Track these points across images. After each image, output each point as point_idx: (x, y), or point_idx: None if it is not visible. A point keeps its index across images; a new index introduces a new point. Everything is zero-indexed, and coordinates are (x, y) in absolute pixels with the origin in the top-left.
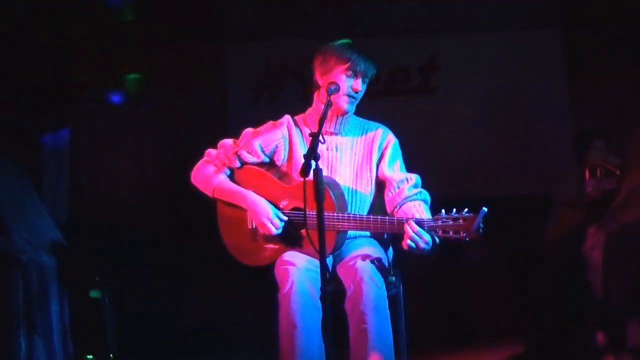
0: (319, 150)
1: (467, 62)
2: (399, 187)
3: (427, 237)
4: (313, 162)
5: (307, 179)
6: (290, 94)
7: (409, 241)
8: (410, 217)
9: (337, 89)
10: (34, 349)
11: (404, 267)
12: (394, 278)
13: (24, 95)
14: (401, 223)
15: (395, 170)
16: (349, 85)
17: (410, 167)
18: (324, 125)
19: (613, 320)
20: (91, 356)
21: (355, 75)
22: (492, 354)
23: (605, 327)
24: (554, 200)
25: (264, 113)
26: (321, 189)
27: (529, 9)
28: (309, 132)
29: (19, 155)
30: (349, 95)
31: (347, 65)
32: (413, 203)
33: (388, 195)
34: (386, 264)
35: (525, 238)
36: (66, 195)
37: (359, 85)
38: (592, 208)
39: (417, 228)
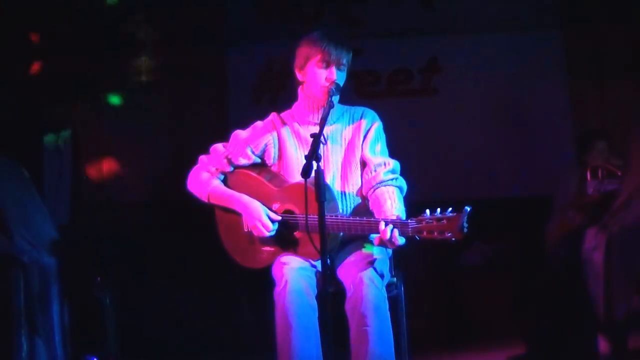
0: (309, 142)
1: (469, 63)
2: (375, 170)
3: (401, 241)
4: (314, 163)
5: (307, 179)
6: (291, 95)
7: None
8: (395, 218)
9: (339, 89)
10: (35, 350)
11: (405, 268)
12: (394, 279)
13: (25, 95)
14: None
15: (375, 153)
16: (323, 76)
17: (410, 168)
18: (313, 117)
19: (614, 321)
20: (92, 356)
21: (327, 65)
22: (492, 354)
23: (606, 329)
24: (555, 201)
25: (265, 114)
26: (322, 190)
27: (531, 10)
28: (302, 130)
29: (20, 155)
30: (327, 87)
31: (318, 57)
32: (387, 189)
33: (365, 177)
34: (387, 265)
35: (526, 239)
36: (67, 195)
37: (333, 74)
38: (593, 209)
39: (395, 234)
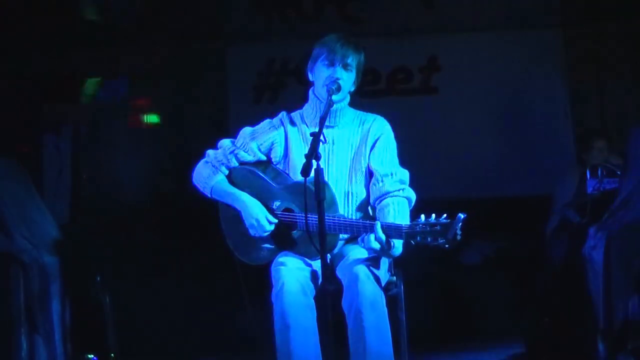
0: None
1: (469, 62)
2: (382, 181)
3: (385, 245)
4: (314, 162)
5: (307, 178)
6: (291, 93)
7: (372, 242)
8: (391, 222)
9: (339, 88)
10: (35, 349)
11: (405, 267)
12: (394, 278)
13: (24, 95)
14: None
15: (382, 163)
16: (326, 75)
17: (410, 167)
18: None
19: (614, 320)
20: (92, 356)
21: (332, 64)
22: (492, 353)
23: (606, 328)
24: (555, 200)
25: (265, 113)
26: (322, 189)
27: (531, 10)
28: (310, 131)
29: (20, 155)
30: (327, 85)
31: (323, 56)
32: (393, 200)
33: (372, 187)
34: (385, 263)
35: (526, 238)
36: (67, 194)
37: (336, 73)
38: (593, 208)
39: (379, 234)
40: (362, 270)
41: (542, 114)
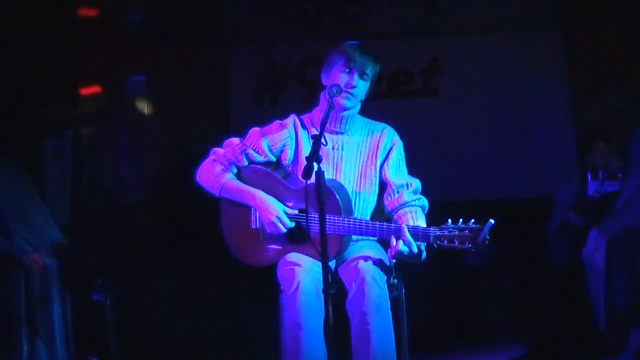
0: (325, 150)
1: (469, 64)
2: (399, 192)
3: (415, 248)
4: (315, 165)
5: (309, 181)
6: (292, 95)
7: (401, 246)
8: (416, 225)
9: (339, 91)
10: (36, 351)
11: (406, 270)
12: (395, 280)
13: (25, 96)
14: (398, 230)
15: (397, 174)
16: (344, 81)
17: (411, 169)
18: (331, 124)
19: (615, 322)
20: (93, 358)
21: (349, 71)
22: (493, 356)
23: (607, 330)
24: (556, 202)
25: (266, 115)
26: (323, 191)
27: (531, 10)
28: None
29: (21, 156)
30: (343, 92)
31: (342, 62)
32: (410, 209)
33: (387, 198)
34: (388, 266)
35: (527, 240)
36: (68, 197)
37: (353, 80)
38: (594, 210)
39: (408, 237)
40: (368, 273)
41: (543, 116)
